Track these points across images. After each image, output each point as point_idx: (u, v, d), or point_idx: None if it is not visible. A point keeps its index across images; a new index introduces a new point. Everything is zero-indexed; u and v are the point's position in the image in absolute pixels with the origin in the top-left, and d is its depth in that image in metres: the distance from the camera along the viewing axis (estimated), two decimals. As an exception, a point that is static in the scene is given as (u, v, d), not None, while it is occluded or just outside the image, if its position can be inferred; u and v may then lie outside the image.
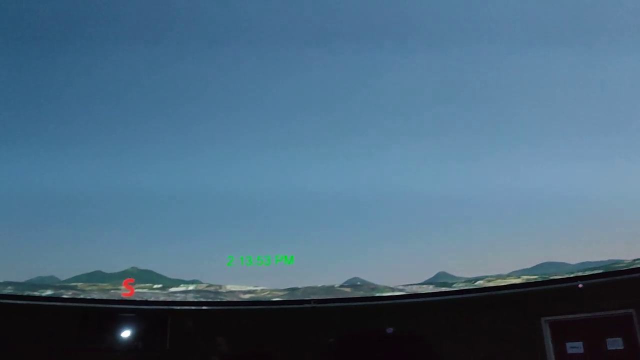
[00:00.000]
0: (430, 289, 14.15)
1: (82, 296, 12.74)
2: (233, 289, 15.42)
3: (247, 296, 14.58)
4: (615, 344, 9.28)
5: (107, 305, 11.29)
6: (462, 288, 12.95)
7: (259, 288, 15.41)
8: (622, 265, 12.04)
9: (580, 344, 9.60)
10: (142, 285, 16.31)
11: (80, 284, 17.64)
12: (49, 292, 13.03)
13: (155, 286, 16.42)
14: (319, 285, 15.99)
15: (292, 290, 15.06)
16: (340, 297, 14.01)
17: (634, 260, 11.76)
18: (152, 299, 13.13)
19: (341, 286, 17.12)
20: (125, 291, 12.96)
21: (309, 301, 11.61)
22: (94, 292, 14.25)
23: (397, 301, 11.95)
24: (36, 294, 12.25)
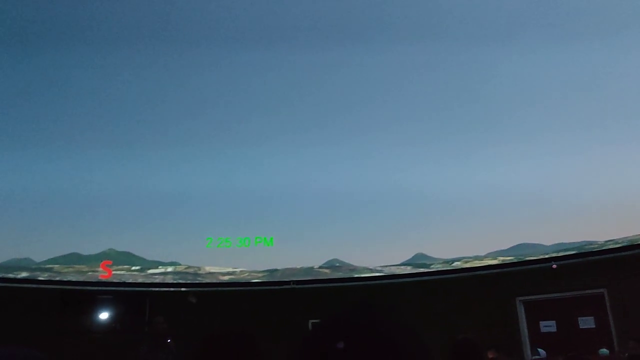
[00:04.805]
0: (408, 269, 14.31)
1: (58, 278, 12.61)
2: (212, 270, 15.40)
3: (226, 277, 14.58)
4: (587, 322, 9.52)
5: (85, 288, 11.20)
6: (439, 269, 13.14)
7: (238, 269, 15.42)
8: (595, 246, 12.30)
9: (553, 322, 9.83)
10: (120, 267, 16.18)
11: (56, 266, 17.42)
12: (24, 275, 12.86)
13: (133, 268, 16.30)
14: (299, 267, 16.06)
15: (272, 271, 15.10)
16: (320, 278, 14.10)
17: (606, 241, 12.03)
18: (130, 280, 13.06)
19: (320, 267, 17.21)
20: (102, 273, 12.85)
21: (288, 282, 11.66)
22: (71, 274, 14.11)
23: (376, 282, 12.08)
24: (11, 276, 12.08)
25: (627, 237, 11.32)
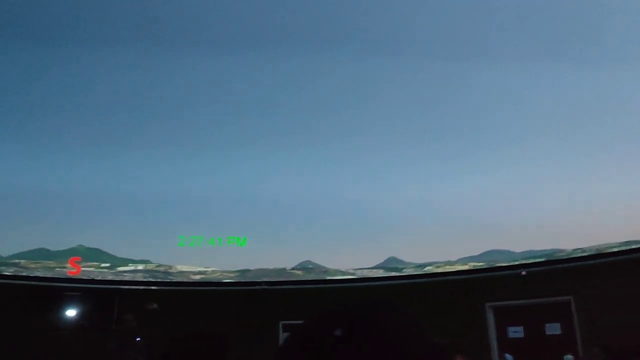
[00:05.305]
0: (380, 273, 14.41)
1: (25, 274, 12.33)
2: (183, 269, 15.26)
3: (197, 277, 14.46)
4: (553, 329, 9.70)
5: (52, 284, 10.97)
6: (411, 273, 13.25)
7: (209, 269, 15.31)
8: (563, 254, 12.57)
9: (520, 328, 9.98)
10: (89, 263, 15.92)
11: (23, 261, 17.02)
12: (-11, 269, 12.54)
13: (102, 265, 16.05)
14: (271, 268, 16.02)
15: (244, 272, 15.03)
16: (292, 279, 14.09)
17: (574, 249, 12.30)
18: (100, 278, 12.84)
19: (293, 269, 17.20)
20: (71, 269, 12.62)
21: (260, 283, 11.61)
22: (38, 270, 13.80)
23: (348, 284, 12.11)
24: (-25, 270, 11.78)
25: (594, 246, 11.61)
